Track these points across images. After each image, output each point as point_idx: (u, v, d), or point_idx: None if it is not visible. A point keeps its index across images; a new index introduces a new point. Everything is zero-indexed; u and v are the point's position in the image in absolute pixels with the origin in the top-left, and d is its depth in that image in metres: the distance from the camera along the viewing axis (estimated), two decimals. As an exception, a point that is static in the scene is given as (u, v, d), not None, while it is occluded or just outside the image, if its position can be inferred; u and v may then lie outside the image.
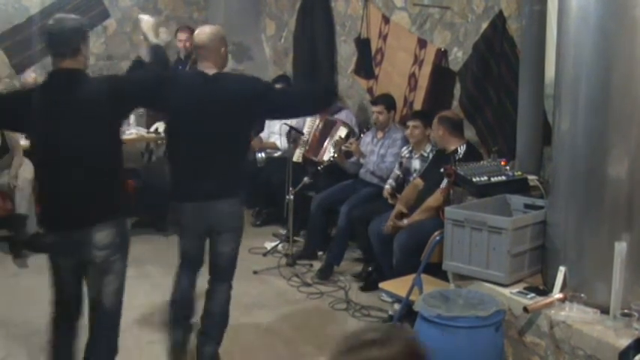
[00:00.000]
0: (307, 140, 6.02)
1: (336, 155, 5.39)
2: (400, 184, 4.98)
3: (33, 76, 6.34)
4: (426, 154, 4.80)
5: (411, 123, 5.04)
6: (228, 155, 3.38)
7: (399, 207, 4.56)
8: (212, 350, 3.52)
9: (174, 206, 3.48)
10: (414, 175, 4.82)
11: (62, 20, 2.90)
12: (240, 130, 3.43)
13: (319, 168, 5.40)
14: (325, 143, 5.85)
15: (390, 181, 5.03)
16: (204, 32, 3.43)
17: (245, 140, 3.59)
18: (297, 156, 5.98)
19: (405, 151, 5.00)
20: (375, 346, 1.43)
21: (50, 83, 2.91)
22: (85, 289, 3.03)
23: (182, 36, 6.53)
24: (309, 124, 6.08)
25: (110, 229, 2.90)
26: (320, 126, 5.97)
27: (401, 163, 4.99)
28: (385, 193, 4.94)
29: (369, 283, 4.76)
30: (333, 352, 1.45)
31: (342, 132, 5.74)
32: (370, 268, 4.91)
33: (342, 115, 6.00)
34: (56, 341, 3.11)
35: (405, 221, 4.36)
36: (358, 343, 1.44)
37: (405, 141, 5.12)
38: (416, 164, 4.86)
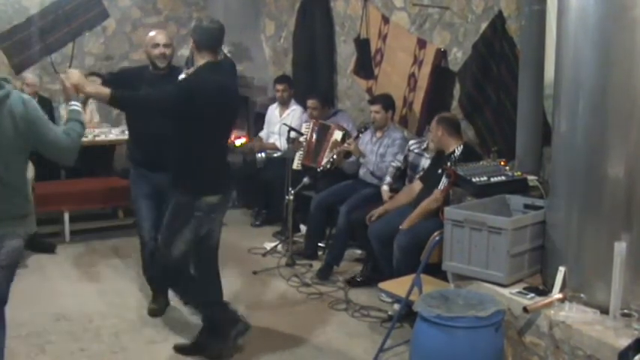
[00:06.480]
0: (304, 146, 5.94)
1: (335, 157, 5.37)
2: (396, 179, 4.98)
3: (30, 76, 6.32)
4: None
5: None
6: None
7: (387, 207, 4.65)
8: None
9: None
10: (421, 173, 4.78)
11: None
12: None
13: (318, 170, 5.39)
14: (322, 149, 5.79)
15: (388, 179, 5.02)
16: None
17: None
18: (297, 164, 5.95)
19: (413, 145, 4.95)
20: None
21: None
22: None
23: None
24: (304, 130, 6.02)
25: None
26: (315, 132, 5.92)
27: (406, 157, 4.97)
28: (385, 196, 4.92)
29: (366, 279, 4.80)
30: None
31: (337, 135, 5.68)
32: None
33: (337, 119, 5.96)
34: None
35: (405, 225, 4.34)
36: None
37: (406, 140, 5.12)
38: (425, 163, 4.78)
